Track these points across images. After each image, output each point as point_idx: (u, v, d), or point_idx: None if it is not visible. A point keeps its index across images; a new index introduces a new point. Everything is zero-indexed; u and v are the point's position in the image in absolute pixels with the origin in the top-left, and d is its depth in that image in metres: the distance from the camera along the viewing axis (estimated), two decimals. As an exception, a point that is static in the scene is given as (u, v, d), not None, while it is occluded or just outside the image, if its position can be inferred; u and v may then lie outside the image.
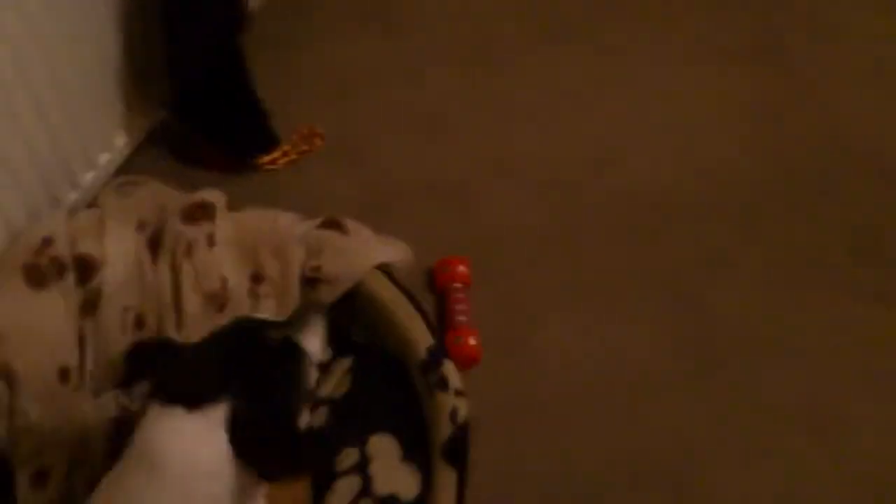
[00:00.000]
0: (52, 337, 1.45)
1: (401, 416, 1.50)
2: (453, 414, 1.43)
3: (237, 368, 1.13)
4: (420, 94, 2.17)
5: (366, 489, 1.42)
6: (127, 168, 1.84)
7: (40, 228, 1.54)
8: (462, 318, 1.71)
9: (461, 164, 2.03)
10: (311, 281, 1.57)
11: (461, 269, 1.77)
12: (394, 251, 1.64)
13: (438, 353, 1.49)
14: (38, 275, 1.48)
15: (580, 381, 1.68)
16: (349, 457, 1.46)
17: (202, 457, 1.06)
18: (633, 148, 2.09)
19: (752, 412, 1.64)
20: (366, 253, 1.61)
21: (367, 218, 1.67)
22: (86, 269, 1.52)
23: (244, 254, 1.61)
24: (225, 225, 1.63)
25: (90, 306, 1.51)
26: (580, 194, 1.98)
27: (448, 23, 2.37)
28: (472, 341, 1.68)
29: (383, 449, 1.47)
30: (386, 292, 1.57)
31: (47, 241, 1.51)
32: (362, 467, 1.44)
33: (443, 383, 1.46)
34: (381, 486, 1.42)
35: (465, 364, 1.66)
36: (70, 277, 1.50)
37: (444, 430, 1.43)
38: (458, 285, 1.76)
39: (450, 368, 1.48)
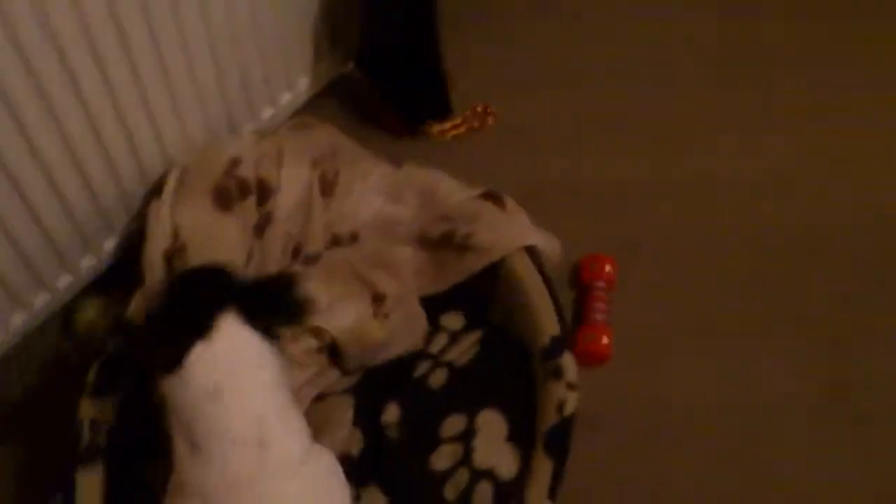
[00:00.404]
0: (229, 253, 1.54)
1: (515, 398, 1.51)
2: (561, 405, 1.43)
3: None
4: (597, 93, 2.13)
5: (466, 459, 1.45)
6: (303, 112, 1.92)
7: (229, 148, 1.63)
8: (599, 316, 1.70)
9: (624, 168, 1.98)
10: (459, 248, 1.59)
11: (608, 268, 1.75)
12: (545, 237, 1.64)
13: (560, 344, 1.50)
14: (226, 196, 1.57)
15: (702, 411, 1.62)
16: (455, 425, 1.49)
17: (244, 357, 1.16)
18: (806, 179, 1.97)
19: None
20: (518, 231, 1.62)
21: (522, 205, 1.67)
22: (264, 192, 1.62)
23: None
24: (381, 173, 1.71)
25: (260, 228, 1.61)
26: (739, 219, 1.90)
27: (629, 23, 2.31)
28: (604, 340, 1.67)
29: (491, 425, 1.49)
30: (526, 275, 1.57)
31: (235, 162, 1.60)
32: (467, 438, 1.47)
33: (557, 373, 1.46)
34: (481, 460, 1.45)
35: (593, 361, 1.65)
36: (251, 199, 1.60)
37: (548, 419, 1.43)
38: (602, 284, 1.73)
39: (568, 360, 1.48)
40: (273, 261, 1.61)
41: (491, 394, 1.52)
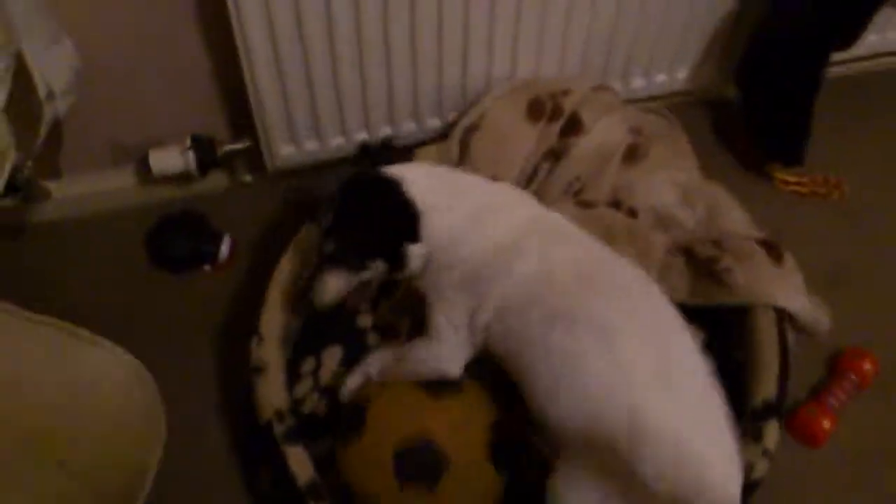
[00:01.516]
0: (510, 151, 1.71)
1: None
2: (750, 467, 1.38)
3: None
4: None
5: None
6: (667, 104, 1.99)
7: (569, 82, 1.78)
8: (834, 401, 1.60)
9: None
10: (716, 277, 1.58)
11: (867, 366, 1.64)
12: (812, 306, 1.58)
13: (770, 410, 1.46)
14: (537, 110, 1.74)
15: None
16: None
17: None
18: None
19: None
20: (779, 288, 1.57)
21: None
22: (573, 126, 1.74)
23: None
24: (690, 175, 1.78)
25: (554, 155, 1.73)
26: None
27: None
28: (825, 424, 1.57)
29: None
30: (765, 332, 1.53)
31: (566, 92, 1.75)
32: None
33: (757, 436, 1.43)
34: None
35: (804, 439, 1.58)
36: (557, 125, 1.73)
37: None
38: (854, 377, 1.65)
39: (772, 428, 1.44)
40: (552, 194, 1.71)
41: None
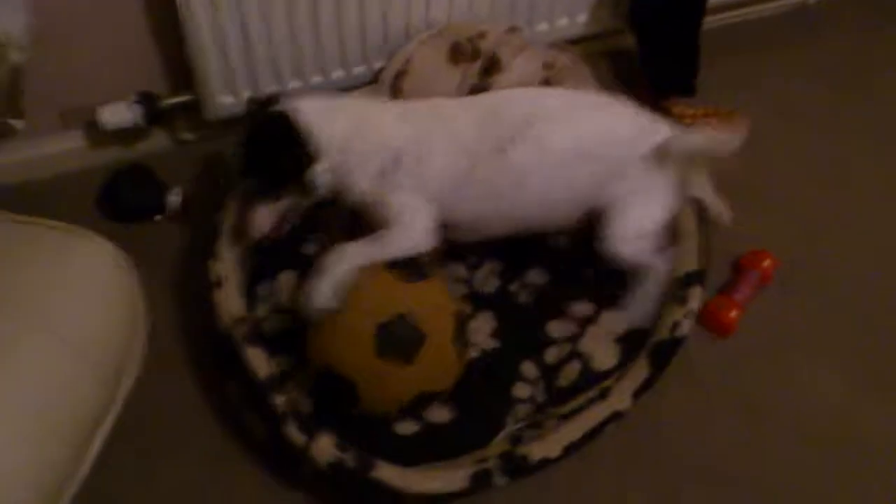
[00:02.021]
0: (435, 91, 1.81)
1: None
2: (675, 326, 1.59)
3: None
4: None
5: (574, 339, 1.65)
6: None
7: (483, 25, 1.93)
8: (739, 295, 1.77)
9: (832, 203, 2.05)
10: None
11: (766, 262, 1.82)
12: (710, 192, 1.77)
13: (693, 279, 1.66)
14: (458, 53, 1.89)
15: (802, 437, 1.63)
16: (582, 310, 1.70)
17: None
18: None
19: None
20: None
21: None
22: (492, 66, 1.89)
23: None
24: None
25: (476, 93, 1.86)
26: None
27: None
28: (732, 314, 1.74)
29: (609, 321, 1.66)
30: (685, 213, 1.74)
31: (482, 34, 1.90)
32: (585, 323, 1.67)
33: (682, 300, 1.63)
34: (584, 345, 1.64)
35: (715, 329, 1.75)
36: (478, 65, 1.89)
37: (660, 334, 1.61)
38: (756, 273, 1.82)
39: (695, 293, 1.64)
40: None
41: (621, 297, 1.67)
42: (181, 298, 1.75)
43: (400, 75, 1.87)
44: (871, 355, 1.76)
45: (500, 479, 1.42)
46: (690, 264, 1.69)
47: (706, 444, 1.61)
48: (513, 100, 1.63)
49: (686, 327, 1.61)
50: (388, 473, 1.39)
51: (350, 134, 1.52)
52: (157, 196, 1.86)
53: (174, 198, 1.86)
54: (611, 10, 2.18)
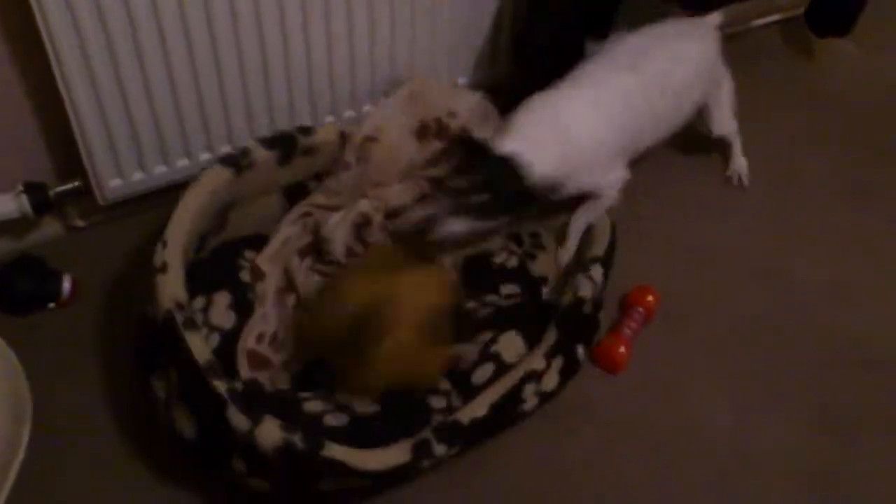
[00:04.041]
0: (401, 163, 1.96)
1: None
2: (577, 288, 1.75)
3: None
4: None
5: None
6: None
7: (454, 100, 2.02)
8: (627, 331, 1.86)
9: (734, 239, 2.17)
10: None
11: (650, 298, 1.92)
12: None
13: (597, 260, 1.83)
14: (425, 132, 1.98)
15: (697, 457, 1.73)
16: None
17: None
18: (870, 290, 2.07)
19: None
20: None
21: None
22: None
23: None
24: None
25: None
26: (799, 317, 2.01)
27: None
28: (621, 349, 1.83)
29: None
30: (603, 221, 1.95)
31: (452, 114, 1.98)
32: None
33: (586, 272, 1.78)
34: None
35: (606, 364, 1.84)
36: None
37: (566, 301, 1.74)
38: (641, 310, 1.91)
39: (598, 271, 1.80)
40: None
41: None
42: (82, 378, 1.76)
43: (369, 141, 1.92)
44: (753, 377, 1.87)
45: (439, 449, 1.48)
46: (597, 251, 1.87)
47: (606, 476, 1.68)
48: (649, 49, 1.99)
49: (585, 290, 1.74)
50: (339, 452, 1.40)
51: (564, 151, 1.80)
52: (51, 284, 1.86)
53: (66, 284, 1.86)
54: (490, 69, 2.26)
